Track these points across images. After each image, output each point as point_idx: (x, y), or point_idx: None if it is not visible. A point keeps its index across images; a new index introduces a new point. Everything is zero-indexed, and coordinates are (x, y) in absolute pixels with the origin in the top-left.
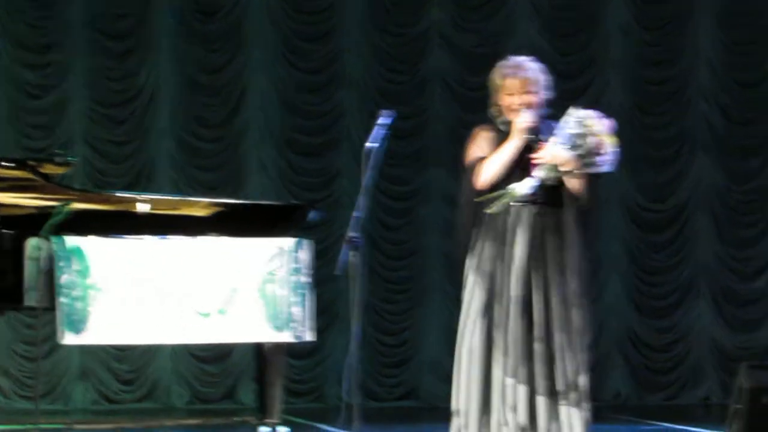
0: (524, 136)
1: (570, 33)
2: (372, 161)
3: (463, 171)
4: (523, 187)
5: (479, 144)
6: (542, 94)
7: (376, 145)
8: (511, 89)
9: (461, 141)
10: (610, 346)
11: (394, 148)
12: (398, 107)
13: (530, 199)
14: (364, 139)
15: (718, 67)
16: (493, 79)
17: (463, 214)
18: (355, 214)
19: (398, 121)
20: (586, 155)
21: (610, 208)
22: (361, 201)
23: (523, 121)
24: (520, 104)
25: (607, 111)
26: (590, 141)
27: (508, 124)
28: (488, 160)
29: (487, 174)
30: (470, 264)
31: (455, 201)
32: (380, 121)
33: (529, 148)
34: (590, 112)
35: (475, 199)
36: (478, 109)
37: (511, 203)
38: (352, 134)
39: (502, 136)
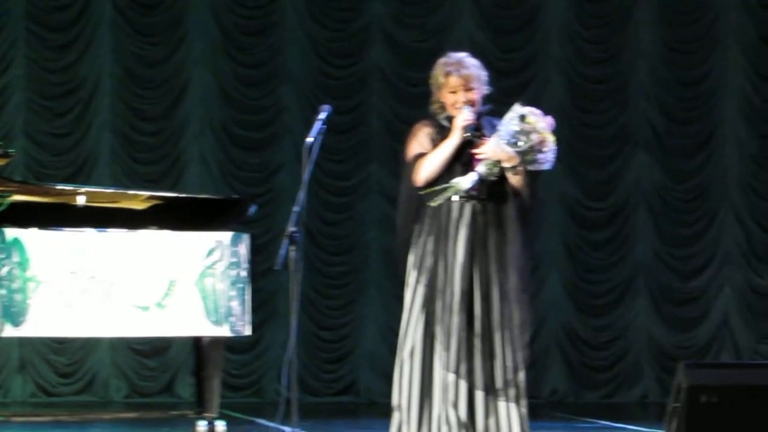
0: (464, 134)
1: (511, 30)
2: (311, 156)
3: (403, 167)
4: (466, 181)
5: (419, 140)
6: (482, 90)
7: (315, 139)
8: (454, 87)
9: (401, 136)
10: (549, 343)
11: (334, 142)
12: (338, 102)
13: (472, 195)
14: (305, 133)
15: (658, 65)
16: (435, 76)
17: (404, 209)
18: (294, 208)
19: (338, 116)
20: (528, 152)
21: (551, 206)
22: (301, 196)
23: (462, 119)
24: (463, 101)
25: (547, 109)
26: (532, 138)
27: (451, 119)
28: (428, 156)
29: (426, 170)
30: (412, 260)
31: (394, 196)
32: (319, 115)
33: (471, 143)
34: (533, 110)
35: (420, 192)
36: (418, 105)
37: (453, 198)
38: (293, 129)
39: (444, 131)
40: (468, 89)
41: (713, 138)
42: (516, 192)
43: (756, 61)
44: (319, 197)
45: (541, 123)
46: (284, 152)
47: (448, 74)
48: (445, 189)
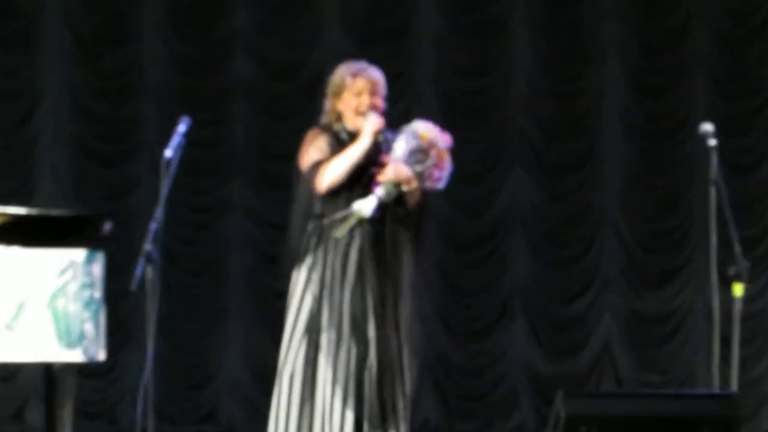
0: (378, 137)
1: (381, 40)
2: (170, 171)
3: (296, 177)
4: (367, 206)
5: (318, 146)
6: (383, 103)
7: (173, 153)
8: (360, 89)
9: (265, 151)
10: (419, 370)
11: (195, 157)
12: (199, 114)
13: (370, 219)
14: (164, 147)
15: (536, 77)
16: (336, 81)
17: (297, 222)
18: (151, 226)
19: (199, 129)
20: (426, 171)
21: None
22: (159, 212)
23: (374, 121)
24: (368, 106)
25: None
26: (431, 156)
27: (351, 133)
28: (333, 161)
29: (331, 176)
30: (298, 278)
31: (259, 214)
32: (179, 128)
33: (372, 158)
34: (430, 126)
35: (325, 222)
36: (283, 118)
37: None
38: (151, 142)
39: (341, 144)
40: (374, 93)
41: (592, 155)
42: (408, 214)
43: (638, 75)
44: (179, 214)
45: (439, 140)
46: (142, 167)
47: (356, 75)
48: (346, 217)
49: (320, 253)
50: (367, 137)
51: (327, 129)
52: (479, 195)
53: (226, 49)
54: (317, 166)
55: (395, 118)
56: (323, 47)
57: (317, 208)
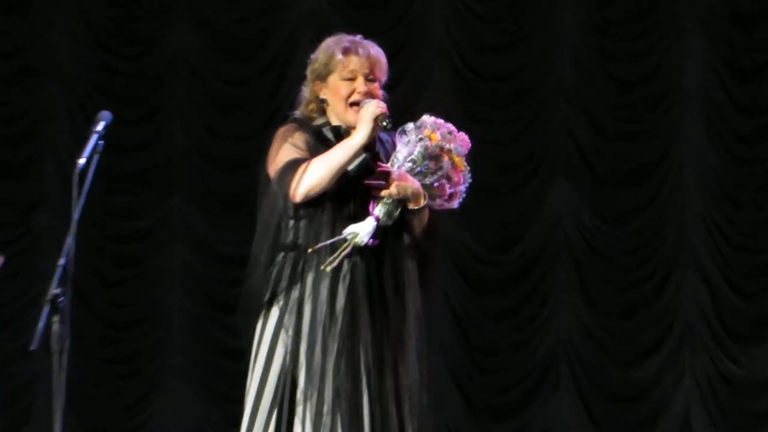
0: (383, 124)
1: (372, 4)
2: (84, 186)
3: (263, 185)
4: (364, 231)
5: (293, 143)
6: (382, 92)
7: (89, 161)
8: (353, 70)
9: (214, 157)
10: None
11: (118, 166)
12: (125, 108)
13: (367, 248)
14: (75, 153)
15: (586, 56)
16: (323, 58)
17: (260, 252)
18: (59, 262)
19: (124, 127)
20: (436, 185)
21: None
22: (69, 243)
23: (375, 104)
24: (365, 94)
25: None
26: (444, 164)
27: (338, 130)
28: (314, 161)
29: (311, 180)
30: (265, 330)
31: (205, 242)
32: (96, 127)
33: (368, 167)
34: (440, 123)
35: (309, 250)
36: (242, 111)
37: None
38: (57, 146)
39: (322, 142)
40: (371, 78)
41: (665, 161)
42: (415, 241)
43: (726, 53)
44: (97, 245)
45: (453, 142)
46: (45, 180)
47: (346, 51)
48: (335, 245)
49: (295, 294)
50: (365, 128)
51: (305, 124)
52: (509, 216)
53: (160, 16)
54: (292, 166)
55: (393, 111)
56: (296, 12)
57: (291, 233)
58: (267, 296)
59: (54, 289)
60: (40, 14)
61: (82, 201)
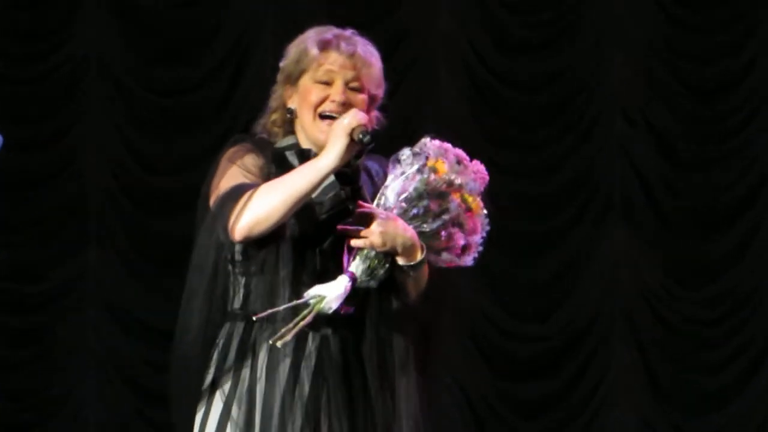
0: (363, 140)
1: None
2: None
3: (200, 221)
4: (334, 294)
5: (243, 166)
6: (373, 101)
7: None
8: (329, 69)
9: (138, 190)
10: None
11: (11, 207)
12: (25, 126)
13: (337, 315)
14: None
15: (648, 54)
16: (297, 52)
17: (194, 297)
18: None
19: (24, 153)
20: (441, 233)
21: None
22: None
23: (352, 116)
24: (338, 101)
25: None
26: (450, 205)
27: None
28: (266, 185)
29: (258, 211)
30: (210, 405)
31: (123, 308)
32: None
33: (342, 209)
34: (448, 149)
35: (254, 317)
36: (178, 127)
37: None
38: None
39: (282, 167)
40: (354, 84)
41: (762, 195)
42: (409, 311)
43: None
44: None
45: (465, 176)
46: None
47: (325, 45)
48: (295, 312)
49: (245, 376)
50: (337, 145)
51: (261, 145)
52: (545, 275)
53: (70, 5)
54: (235, 193)
55: (385, 131)
56: (238, 5)
57: (240, 294)
58: (208, 379)
59: None
60: None
61: None
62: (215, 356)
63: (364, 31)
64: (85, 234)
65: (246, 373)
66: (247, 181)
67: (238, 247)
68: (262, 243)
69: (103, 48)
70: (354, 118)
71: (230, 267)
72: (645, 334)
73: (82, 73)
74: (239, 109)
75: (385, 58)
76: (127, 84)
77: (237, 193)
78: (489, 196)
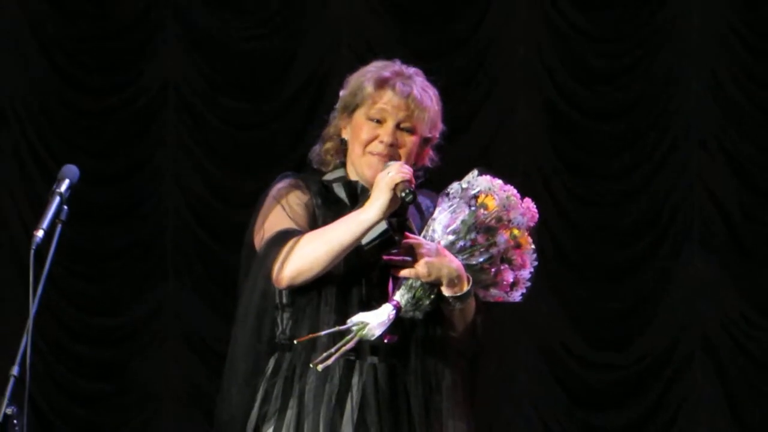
0: (404, 196)
1: (425, 16)
2: (46, 266)
3: (246, 263)
4: (377, 322)
5: (288, 206)
6: (428, 144)
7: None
8: (383, 109)
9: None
10: None
11: (87, 240)
12: (96, 160)
13: (385, 340)
14: (31, 222)
15: (721, 64)
16: (354, 85)
17: (240, 345)
18: (12, 371)
19: (90, 187)
20: (488, 268)
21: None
22: (25, 342)
23: (396, 170)
24: (387, 144)
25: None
26: (498, 240)
27: (350, 184)
28: (310, 235)
29: (302, 261)
30: (257, 426)
31: (205, 339)
32: (60, 187)
33: (388, 240)
34: (498, 183)
35: (295, 341)
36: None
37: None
38: (5, 216)
39: (329, 204)
40: (406, 125)
41: None
42: (454, 341)
43: None
44: (61, 349)
45: (513, 211)
46: None
47: (381, 83)
48: (336, 338)
49: (293, 403)
50: (381, 199)
51: (309, 179)
52: (623, 304)
53: (144, 33)
54: (280, 240)
55: (457, 162)
56: (328, 29)
57: (287, 328)
58: (253, 423)
59: (5, 408)
60: None
61: (41, 289)
62: (263, 385)
63: (441, 60)
64: (163, 267)
65: (294, 402)
66: (291, 225)
67: (284, 291)
68: (308, 285)
69: (179, 80)
70: (399, 173)
71: (278, 307)
72: (724, 364)
73: (159, 106)
74: (315, 141)
75: (462, 87)
76: (203, 116)
77: (280, 239)
78: (569, 225)
